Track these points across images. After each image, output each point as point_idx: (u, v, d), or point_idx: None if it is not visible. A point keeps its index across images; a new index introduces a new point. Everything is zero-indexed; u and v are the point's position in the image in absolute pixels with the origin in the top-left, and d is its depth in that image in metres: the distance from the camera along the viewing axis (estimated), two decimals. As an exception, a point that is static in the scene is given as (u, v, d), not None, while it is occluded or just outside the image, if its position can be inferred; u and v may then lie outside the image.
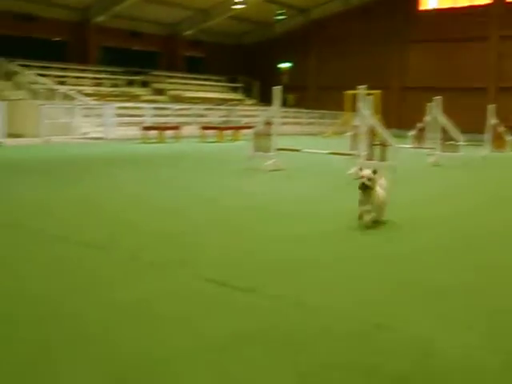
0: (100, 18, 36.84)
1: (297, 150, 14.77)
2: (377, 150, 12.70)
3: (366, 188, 6.55)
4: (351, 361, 3.21)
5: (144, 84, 37.82)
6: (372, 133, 12.75)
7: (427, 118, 20.07)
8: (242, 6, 39.01)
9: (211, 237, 6.31)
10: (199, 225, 6.98)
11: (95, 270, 4.93)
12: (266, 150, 13.97)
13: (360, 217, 6.78)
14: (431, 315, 3.98)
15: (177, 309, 4.02)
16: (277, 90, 13.81)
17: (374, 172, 6.66)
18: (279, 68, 47.20)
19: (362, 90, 12.95)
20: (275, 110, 14.03)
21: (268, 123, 14.13)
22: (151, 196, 9.33)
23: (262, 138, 14.10)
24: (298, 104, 43.51)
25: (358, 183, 6.66)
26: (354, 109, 28.81)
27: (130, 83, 37.02)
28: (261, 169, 13.19)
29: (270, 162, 13.59)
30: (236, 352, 3.32)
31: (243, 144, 18.11)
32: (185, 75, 41.80)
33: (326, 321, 3.83)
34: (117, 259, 5.30)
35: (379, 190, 6.79)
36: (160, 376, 3.00)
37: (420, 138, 21.19)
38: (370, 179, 6.54)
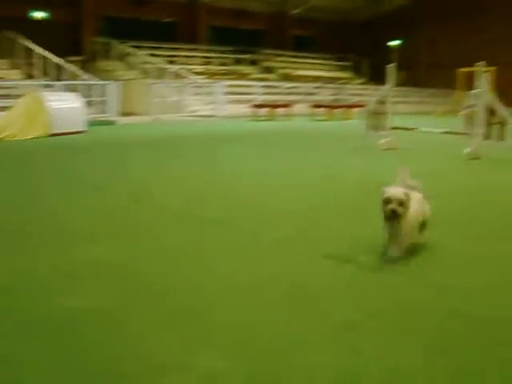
0: (208, -2, 37.25)
1: (411, 129, 14.36)
2: (494, 130, 12.17)
3: (396, 217, 4.34)
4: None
5: (253, 62, 37.95)
6: (489, 111, 12.22)
7: None
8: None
9: (330, 214, 6.18)
10: (315, 203, 6.84)
11: (218, 246, 4.90)
12: (380, 128, 13.69)
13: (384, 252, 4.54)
14: None
15: (303, 288, 3.90)
16: (391, 68, 13.46)
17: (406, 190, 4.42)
18: (389, 46, 46.23)
19: (479, 66, 12.42)
20: (388, 89, 13.69)
21: (381, 101, 13.83)
22: (265, 173, 9.29)
23: (376, 117, 13.82)
24: (408, 82, 42.52)
25: (384, 209, 4.38)
26: (466, 87, 27.89)
27: (239, 62, 37.23)
28: (374, 147, 12.91)
29: (383, 140, 13.31)
30: (364, 329, 3.21)
31: (354, 122, 17.83)
32: (293, 53, 41.65)
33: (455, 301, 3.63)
34: (237, 235, 5.25)
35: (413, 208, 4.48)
36: (290, 355, 2.91)
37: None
38: (401, 203, 4.32)
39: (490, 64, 29.84)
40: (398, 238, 4.41)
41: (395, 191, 4.33)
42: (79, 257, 4.51)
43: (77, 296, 3.68)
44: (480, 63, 12.52)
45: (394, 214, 4.30)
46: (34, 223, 5.66)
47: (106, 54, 31.72)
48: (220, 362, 2.81)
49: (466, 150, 11.71)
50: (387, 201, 4.31)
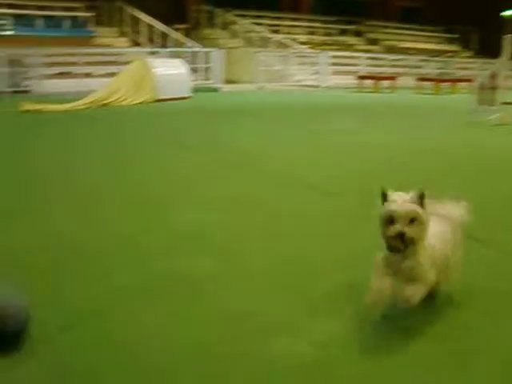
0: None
1: (525, 105, 13.70)
2: None
3: (406, 243, 2.65)
4: None
5: (357, 33, 37.32)
6: None
7: None
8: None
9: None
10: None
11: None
12: (490, 103, 13.12)
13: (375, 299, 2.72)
14: None
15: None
16: (507, 39, 12.84)
17: (421, 196, 2.67)
18: (502, 16, 44.35)
19: None
20: (503, 61, 13.07)
21: (494, 75, 13.23)
22: (372, 143, 9.09)
23: (487, 91, 13.24)
24: (519, 55, 40.79)
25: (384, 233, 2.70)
26: None
27: (343, 32, 36.69)
28: (484, 123, 12.37)
29: (494, 115, 12.74)
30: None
31: (462, 97, 17.19)
32: (399, 25, 40.65)
33: None
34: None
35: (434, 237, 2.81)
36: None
37: None
38: (413, 219, 2.63)
39: None
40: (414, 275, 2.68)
41: (402, 198, 2.66)
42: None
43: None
44: None
45: (401, 240, 2.63)
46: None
47: (210, 23, 31.83)
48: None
49: None
50: (389, 219, 2.64)
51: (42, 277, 3.32)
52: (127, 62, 17.96)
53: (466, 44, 42.59)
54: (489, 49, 13.14)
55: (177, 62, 18.07)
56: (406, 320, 2.85)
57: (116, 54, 22.06)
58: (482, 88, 13.40)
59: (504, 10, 43.84)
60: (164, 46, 24.08)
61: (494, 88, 13.14)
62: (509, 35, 12.97)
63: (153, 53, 23.41)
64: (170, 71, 16.73)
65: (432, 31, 41.84)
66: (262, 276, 3.42)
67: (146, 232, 4.24)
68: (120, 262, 3.61)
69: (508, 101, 13.07)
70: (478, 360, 2.50)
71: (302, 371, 2.38)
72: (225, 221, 4.55)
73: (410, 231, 2.59)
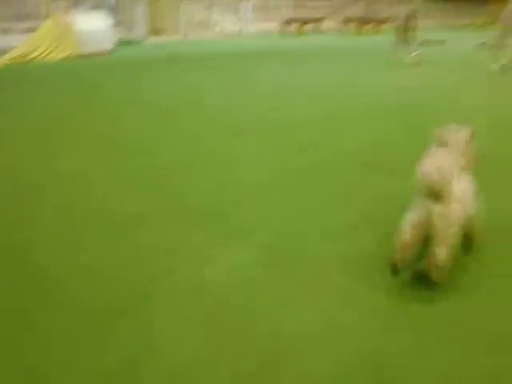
0: None
1: (441, 43, 14.11)
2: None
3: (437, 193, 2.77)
4: None
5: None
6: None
7: None
8: None
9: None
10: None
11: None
12: (409, 43, 13.47)
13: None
14: None
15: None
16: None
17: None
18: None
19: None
20: (418, 2, 13.40)
21: (411, 16, 13.53)
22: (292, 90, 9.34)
23: (404, 32, 13.56)
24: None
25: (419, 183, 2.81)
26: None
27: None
28: (401, 63, 12.73)
29: (411, 55, 13.12)
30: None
31: (385, 38, 17.50)
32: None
33: None
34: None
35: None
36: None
37: None
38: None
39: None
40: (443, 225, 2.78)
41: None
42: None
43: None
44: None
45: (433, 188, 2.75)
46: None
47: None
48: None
49: (494, 65, 11.51)
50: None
51: None
52: (48, 16, 17.64)
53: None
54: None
55: (98, 15, 17.84)
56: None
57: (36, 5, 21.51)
58: (399, 29, 13.71)
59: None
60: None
61: (411, 28, 13.46)
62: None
63: (74, 5, 22.91)
64: (91, 25, 16.52)
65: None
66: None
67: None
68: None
69: (424, 40, 13.41)
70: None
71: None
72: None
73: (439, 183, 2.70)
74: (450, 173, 2.74)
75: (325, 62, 13.92)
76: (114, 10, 21.58)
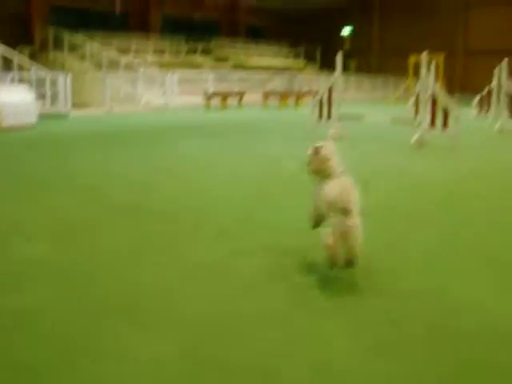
0: (161, -13, 37.15)
1: (359, 118, 14.61)
2: (439, 118, 12.49)
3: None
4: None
5: (206, 52, 37.96)
6: (434, 99, 12.52)
7: (493, 83, 19.12)
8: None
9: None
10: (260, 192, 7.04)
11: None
12: (329, 117, 13.88)
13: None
14: None
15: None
16: (339, 56, 13.66)
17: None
18: (341, 33, 46.59)
19: (424, 55, 12.69)
20: (337, 77, 13.87)
21: (331, 90, 13.98)
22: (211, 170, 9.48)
23: (326, 105, 13.99)
24: (360, 70, 42.98)
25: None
26: (417, 74, 28.34)
27: (192, 52, 37.23)
28: (323, 137, 13.11)
29: (332, 129, 13.53)
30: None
31: (306, 111, 18.01)
32: (246, 43, 41.78)
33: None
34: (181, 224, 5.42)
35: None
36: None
37: (485, 103, 20.46)
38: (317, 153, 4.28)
39: (441, 51, 30.61)
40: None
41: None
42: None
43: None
44: (424, 52, 12.83)
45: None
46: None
47: (58, 45, 31.35)
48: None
49: (413, 138, 12.03)
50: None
51: None
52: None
53: (310, 59, 44.32)
54: (331, 63, 14.06)
55: (20, 88, 17.81)
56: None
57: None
58: (320, 102, 14.15)
59: (343, 28, 46.11)
60: (8, 69, 23.53)
61: (332, 102, 13.91)
62: (339, 53, 13.81)
63: (-4, 77, 22.84)
64: (13, 98, 16.45)
65: (278, 47, 43.26)
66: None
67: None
68: None
69: (344, 114, 13.85)
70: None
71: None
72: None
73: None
74: (353, 192, 3.93)
75: (246, 136, 14.20)
76: (37, 84, 21.58)
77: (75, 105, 22.54)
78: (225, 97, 24.27)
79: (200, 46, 37.82)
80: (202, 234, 5.26)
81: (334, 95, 13.86)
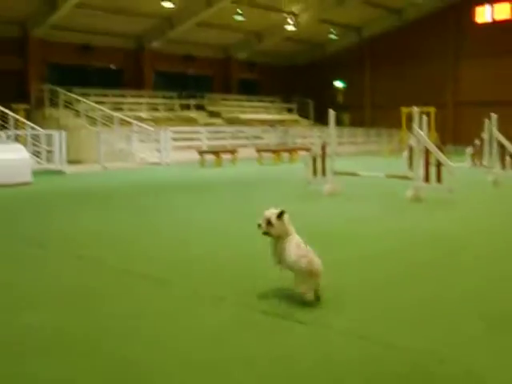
0: (154, 44, 37.60)
1: (354, 174, 14.64)
2: (433, 171, 12.52)
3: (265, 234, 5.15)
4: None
5: (199, 107, 38.30)
6: (427, 153, 12.57)
7: (484, 135, 19.14)
8: (294, 29, 39.07)
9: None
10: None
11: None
12: (324, 173, 13.88)
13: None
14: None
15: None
16: (331, 112, 13.76)
17: (280, 214, 5.13)
18: (333, 87, 47.11)
19: (415, 109, 12.80)
20: (330, 133, 13.94)
21: (325, 145, 14.01)
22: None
23: (319, 161, 14.00)
24: (354, 123, 43.33)
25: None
26: (410, 126, 28.63)
27: (186, 107, 37.55)
28: (318, 193, 13.13)
29: (327, 185, 13.53)
30: None
31: (300, 166, 18.09)
32: (239, 97, 42.23)
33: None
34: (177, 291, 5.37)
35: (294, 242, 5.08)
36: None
37: (478, 155, 20.52)
38: (269, 222, 5.10)
39: (434, 104, 30.93)
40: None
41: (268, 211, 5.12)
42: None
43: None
44: (415, 107, 12.95)
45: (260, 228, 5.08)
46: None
47: (53, 102, 31.63)
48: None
49: (408, 193, 12.05)
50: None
51: None
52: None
53: (303, 113, 44.74)
54: (325, 117, 14.23)
55: (16, 146, 17.92)
56: None
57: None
58: (314, 158, 14.18)
59: (335, 82, 46.70)
60: (4, 127, 23.71)
61: (325, 157, 13.93)
62: (332, 109, 13.91)
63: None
64: (8, 156, 16.54)
65: (271, 102, 43.77)
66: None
67: None
68: None
69: (339, 170, 13.87)
70: None
71: None
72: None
73: (264, 227, 5.06)
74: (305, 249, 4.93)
75: (238, 194, 14.25)
76: (32, 140, 21.72)
77: (71, 161, 22.64)
78: (218, 154, 24.33)
79: (193, 102, 38.17)
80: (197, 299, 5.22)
81: (328, 150, 13.90)
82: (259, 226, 5.07)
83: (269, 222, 5.02)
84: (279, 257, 5.06)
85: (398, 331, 4.27)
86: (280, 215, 5.04)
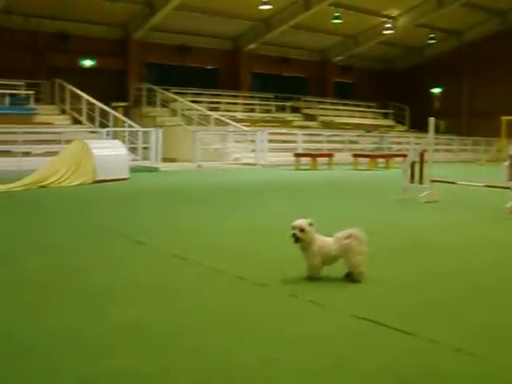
0: (251, 46, 37.74)
1: (451, 183, 14.16)
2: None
3: (298, 240, 5.38)
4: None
5: (295, 110, 38.23)
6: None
7: None
8: (392, 32, 38.50)
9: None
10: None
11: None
12: (420, 180, 13.52)
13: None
14: None
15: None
16: (432, 120, 13.35)
17: (311, 224, 5.42)
18: (430, 93, 46.13)
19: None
20: (430, 141, 13.54)
21: (422, 152, 13.64)
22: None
23: (416, 168, 13.64)
24: (450, 130, 42.30)
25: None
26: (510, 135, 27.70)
27: (281, 109, 37.56)
28: (415, 200, 12.74)
29: (424, 193, 13.14)
30: None
31: (396, 172, 17.68)
32: (335, 101, 41.95)
33: None
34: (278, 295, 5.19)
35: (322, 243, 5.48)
36: None
37: None
38: (302, 230, 5.36)
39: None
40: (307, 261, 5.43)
41: (300, 221, 5.34)
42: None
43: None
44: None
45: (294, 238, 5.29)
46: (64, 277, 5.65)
47: (150, 101, 32.27)
48: None
49: (508, 204, 11.48)
50: (292, 228, 5.33)
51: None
52: (68, 141, 18.05)
53: (399, 119, 44.06)
54: (420, 124, 13.79)
55: (115, 142, 18.25)
56: None
57: (57, 133, 22.15)
58: (412, 165, 13.81)
59: (431, 88, 45.71)
60: (104, 124, 24.30)
61: (423, 165, 13.55)
62: (431, 118, 13.47)
63: (92, 132, 23.59)
64: (108, 152, 16.84)
65: (367, 106, 43.30)
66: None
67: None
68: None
69: (436, 178, 13.44)
70: None
71: None
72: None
73: (299, 234, 5.25)
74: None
75: (333, 197, 14.00)
76: (129, 137, 22.13)
77: (165, 159, 22.95)
78: (314, 157, 24.14)
79: (289, 104, 38.16)
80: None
81: (426, 158, 13.50)
82: (293, 235, 5.29)
83: (301, 230, 5.29)
84: (313, 260, 5.40)
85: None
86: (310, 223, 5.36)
